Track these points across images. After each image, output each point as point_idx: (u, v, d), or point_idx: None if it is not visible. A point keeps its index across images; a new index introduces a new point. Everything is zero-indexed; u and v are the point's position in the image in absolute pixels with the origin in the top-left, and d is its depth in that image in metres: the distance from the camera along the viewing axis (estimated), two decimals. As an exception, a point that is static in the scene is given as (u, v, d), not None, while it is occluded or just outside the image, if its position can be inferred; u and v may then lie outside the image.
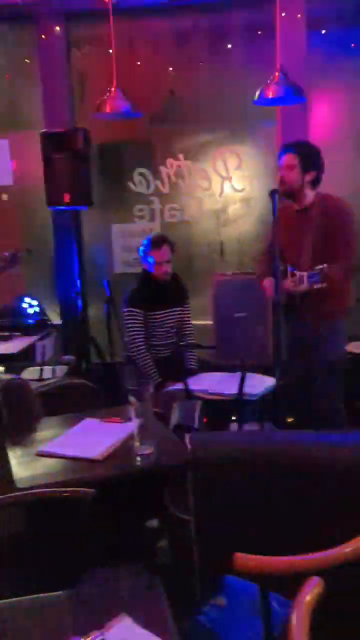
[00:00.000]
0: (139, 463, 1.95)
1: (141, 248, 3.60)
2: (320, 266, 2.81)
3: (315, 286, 2.83)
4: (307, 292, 3.03)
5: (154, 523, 2.85)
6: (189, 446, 1.98)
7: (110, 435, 2.11)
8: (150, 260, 3.55)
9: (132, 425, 2.11)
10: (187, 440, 2.00)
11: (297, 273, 2.95)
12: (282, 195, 3.18)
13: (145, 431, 1.98)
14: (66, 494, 1.69)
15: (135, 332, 3.57)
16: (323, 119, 4.28)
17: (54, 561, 1.96)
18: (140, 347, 3.56)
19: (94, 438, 2.10)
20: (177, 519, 2.08)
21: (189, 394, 3.11)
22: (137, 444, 2.00)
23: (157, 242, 3.54)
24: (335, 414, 3.30)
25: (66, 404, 2.89)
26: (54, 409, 2.64)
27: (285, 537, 1.80)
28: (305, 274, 2.93)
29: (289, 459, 1.90)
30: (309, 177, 3.11)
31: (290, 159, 3.09)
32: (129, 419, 2.18)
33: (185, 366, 3.72)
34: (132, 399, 1.95)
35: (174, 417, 2.50)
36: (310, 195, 3.15)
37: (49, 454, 2.05)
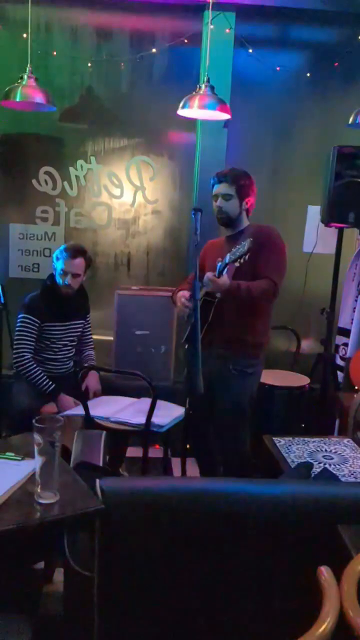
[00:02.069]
0: (39, 514, 1.64)
1: (57, 250, 3.33)
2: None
3: (236, 264, 2.70)
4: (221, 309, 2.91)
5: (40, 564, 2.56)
6: (99, 494, 1.71)
7: (5, 476, 1.78)
8: (58, 266, 3.27)
9: (32, 465, 1.81)
10: (97, 486, 1.73)
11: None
12: (220, 224, 3.09)
13: (49, 474, 1.69)
14: None
15: (24, 341, 3.25)
16: (241, 137, 4.18)
17: None
18: (26, 356, 3.25)
19: (-14, 480, 1.77)
20: (77, 575, 1.80)
21: (89, 422, 2.84)
22: (37, 489, 1.70)
23: (73, 252, 3.28)
24: (239, 452, 3.15)
25: None
26: None
27: (206, 608, 1.59)
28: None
29: (212, 512, 1.69)
30: (246, 205, 3.06)
31: (226, 188, 2.99)
32: (27, 455, 1.89)
33: (83, 363, 3.49)
34: (36, 436, 1.65)
35: (76, 453, 2.21)
36: (245, 222, 3.09)
37: None
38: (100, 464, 2.15)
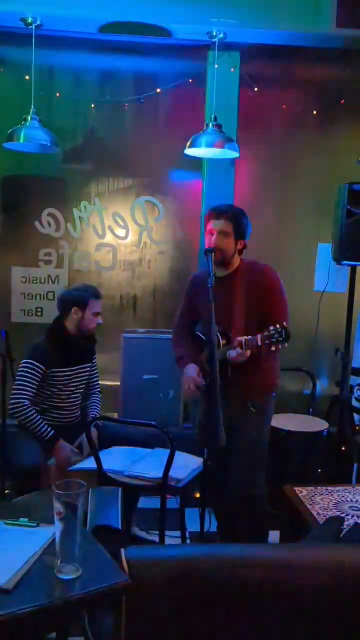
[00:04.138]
0: (60, 592, 1.46)
1: (78, 294, 3.22)
2: (272, 327, 2.55)
3: (272, 348, 2.55)
4: (237, 365, 2.76)
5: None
6: (125, 566, 1.54)
7: (20, 548, 1.60)
8: (91, 310, 3.19)
9: (50, 532, 1.64)
10: (122, 557, 1.56)
11: (243, 339, 2.66)
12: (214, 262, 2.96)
13: (70, 545, 1.51)
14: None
15: (24, 387, 3.08)
16: (248, 176, 4.12)
17: None
18: (24, 402, 3.07)
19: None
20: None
21: (102, 477, 2.66)
22: (57, 562, 1.52)
23: (99, 293, 3.25)
24: (257, 497, 2.99)
25: None
26: None
27: None
28: (245, 338, 2.65)
29: (261, 584, 1.52)
30: (240, 246, 2.95)
31: (225, 225, 2.88)
32: (42, 519, 1.72)
33: (88, 416, 3.33)
34: (57, 505, 1.48)
35: (92, 514, 2.03)
36: (236, 262, 2.97)
37: None
38: (120, 526, 1.97)
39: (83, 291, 3.23)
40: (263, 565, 1.59)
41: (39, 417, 3.08)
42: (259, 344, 2.57)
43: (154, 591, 1.52)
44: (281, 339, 2.49)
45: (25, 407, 3.06)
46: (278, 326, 2.52)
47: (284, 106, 3.98)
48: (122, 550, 1.56)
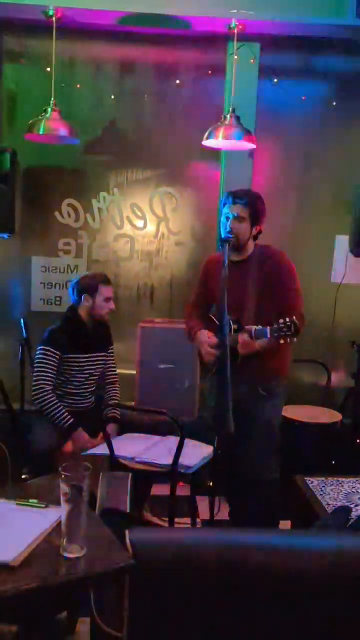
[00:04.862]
0: (65, 570, 1.52)
1: (87, 282, 3.28)
2: (282, 320, 2.58)
3: (281, 341, 2.58)
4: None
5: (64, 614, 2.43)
6: (129, 547, 1.59)
7: (28, 527, 1.66)
8: (101, 296, 3.25)
9: (57, 513, 1.70)
10: (126, 539, 1.61)
11: (253, 328, 2.68)
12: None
13: (76, 525, 1.57)
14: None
15: (44, 373, 3.17)
16: (266, 167, 4.12)
17: None
18: (45, 389, 3.16)
19: (7, 532, 1.65)
20: (105, 635, 1.67)
21: (114, 462, 2.71)
22: (63, 542, 1.58)
23: (107, 279, 3.30)
24: (268, 484, 3.01)
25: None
26: None
27: None
28: (255, 328, 2.68)
29: (259, 568, 1.56)
30: (255, 231, 2.97)
31: (241, 210, 2.90)
32: (51, 501, 1.78)
33: (107, 403, 3.41)
34: (63, 486, 1.54)
35: (101, 498, 2.08)
36: (251, 247, 2.99)
37: None
38: (128, 510, 2.03)
39: (91, 278, 3.30)
40: (265, 550, 1.62)
41: (59, 404, 3.15)
42: (268, 336, 2.59)
43: (157, 572, 1.57)
44: (290, 333, 2.51)
45: (47, 393, 3.14)
46: (287, 320, 2.54)
47: (304, 97, 3.96)
48: (127, 532, 1.61)
